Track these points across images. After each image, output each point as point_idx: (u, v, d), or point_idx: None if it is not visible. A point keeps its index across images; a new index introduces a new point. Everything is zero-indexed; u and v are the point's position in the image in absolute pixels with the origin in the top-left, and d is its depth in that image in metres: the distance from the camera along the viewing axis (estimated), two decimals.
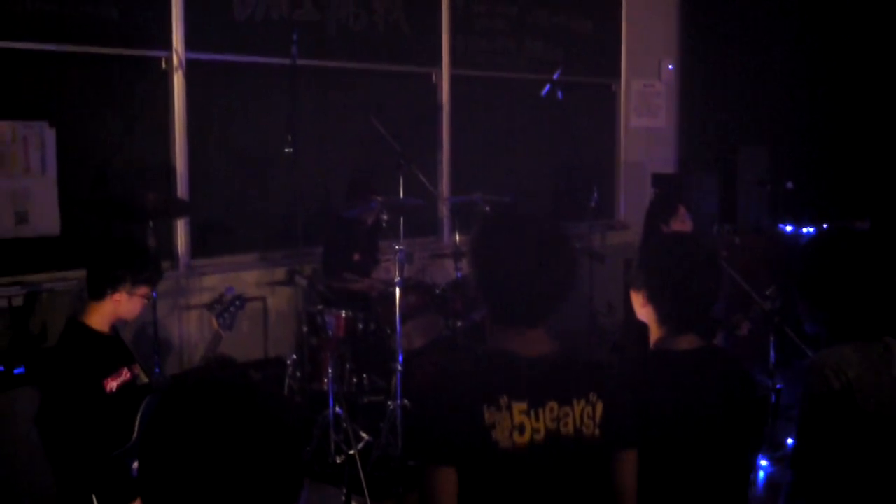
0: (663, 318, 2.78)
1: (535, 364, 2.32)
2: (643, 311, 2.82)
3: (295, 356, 6.21)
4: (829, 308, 2.85)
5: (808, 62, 9.55)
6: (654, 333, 2.82)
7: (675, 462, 2.59)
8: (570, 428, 2.30)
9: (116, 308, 4.07)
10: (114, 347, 4.17)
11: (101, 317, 4.07)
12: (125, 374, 4.13)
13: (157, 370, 5.39)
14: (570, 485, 2.32)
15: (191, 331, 6.53)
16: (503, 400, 2.25)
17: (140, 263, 4.14)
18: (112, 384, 4.05)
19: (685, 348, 2.75)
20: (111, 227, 5.89)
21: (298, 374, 6.14)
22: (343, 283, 6.39)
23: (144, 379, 4.31)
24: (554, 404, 2.29)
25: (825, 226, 7.86)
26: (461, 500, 2.25)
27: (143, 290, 4.11)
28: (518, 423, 2.25)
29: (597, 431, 2.32)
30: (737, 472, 2.80)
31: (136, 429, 4.07)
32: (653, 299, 2.78)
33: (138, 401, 4.14)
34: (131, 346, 5.84)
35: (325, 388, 5.83)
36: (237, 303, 4.70)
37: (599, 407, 2.33)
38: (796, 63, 9.61)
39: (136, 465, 4.06)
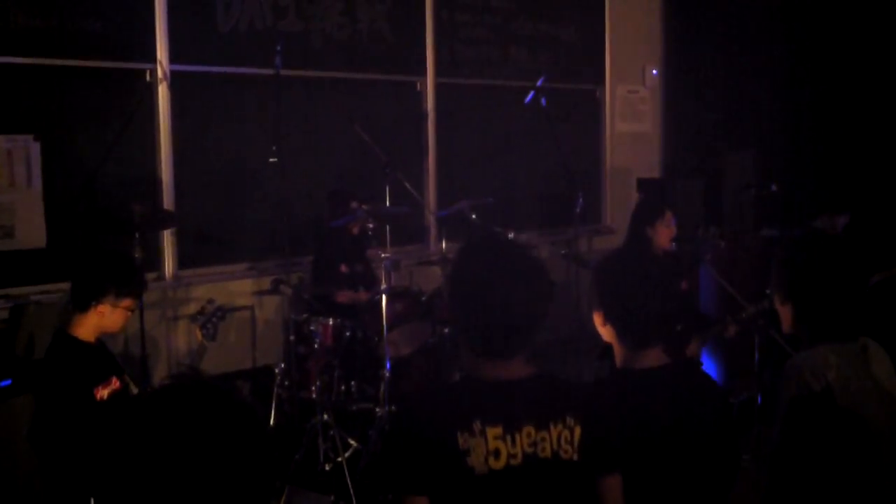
0: (623, 336, 2.78)
1: (509, 388, 2.30)
2: (604, 330, 2.82)
3: (283, 365, 6.22)
4: (806, 310, 2.88)
5: (792, 66, 9.60)
6: (618, 352, 2.82)
7: (643, 481, 2.58)
8: (548, 452, 2.28)
9: (101, 320, 4.10)
10: (101, 357, 4.20)
11: (86, 328, 4.10)
12: (115, 384, 4.15)
13: (144, 383, 5.41)
14: None
15: (178, 342, 6.54)
16: (476, 425, 2.22)
17: (124, 275, 4.17)
18: (102, 392, 4.07)
19: (650, 366, 2.74)
20: (98, 239, 5.89)
21: (287, 382, 6.15)
22: (332, 294, 6.40)
23: (134, 389, 4.33)
24: (531, 429, 2.27)
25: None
26: None
27: (127, 302, 4.14)
28: (493, 448, 2.22)
29: (575, 455, 2.30)
30: (711, 489, 2.80)
31: None
32: (610, 319, 2.78)
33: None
34: (119, 357, 5.87)
35: (314, 396, 5.84)
36: (219, 313, 4.73)
37: (577, 431, 2.31)
38: (780, 67, 9.66)
39: None
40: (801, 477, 2.77)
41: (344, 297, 6.47)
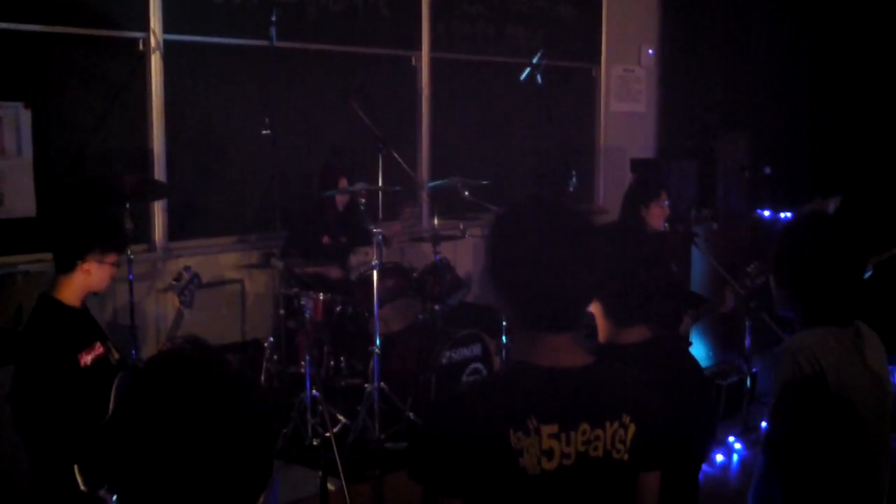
0: (607, 312, 2.75)
1: (566, 379, 2.09)
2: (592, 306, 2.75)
3: (272, 339, 6.21)
4: (802, 293, 2.87)
5: (789, 48, 9.57)
6: (601, 327, 2.79)
7: None
8: (600, 451, 2.08)
9: (87, 279, 4.08)
10: (86, 322, 4.19)
11: (71, 290, 4.08)
12: (98, 349, 4.15)
13: (133, 354, 5.39)
14: None
15: (167, 313, 6.49)
16: (532, 423, 2.01)
17: (107, 230, 4.16)
18: (86, 358, 4.07)
19: (633, 341, 2.73)
20: (87, 208, 5.85)
21: (276, 357, 6.14)
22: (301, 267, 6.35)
23: (116, 355, 4.33)
24: (586, 426, 2.06)
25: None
26: None
27: (112, 257, 4.13)
28: (547, 447, 2.02)
29: (626, 456, 2.11)
30: (685, 468, 2.80)
31: (112, 403, 4.09)
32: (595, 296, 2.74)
33: (112, 376, 4.15)
34: (107, 328, 5.83)
35: (303, 371, 5.82)
36: (196, 280, 4.72)
37: (632, 430, 2.12)
38: (777, 49, 9.64)
39: None
40: (794, 459, 2.77)
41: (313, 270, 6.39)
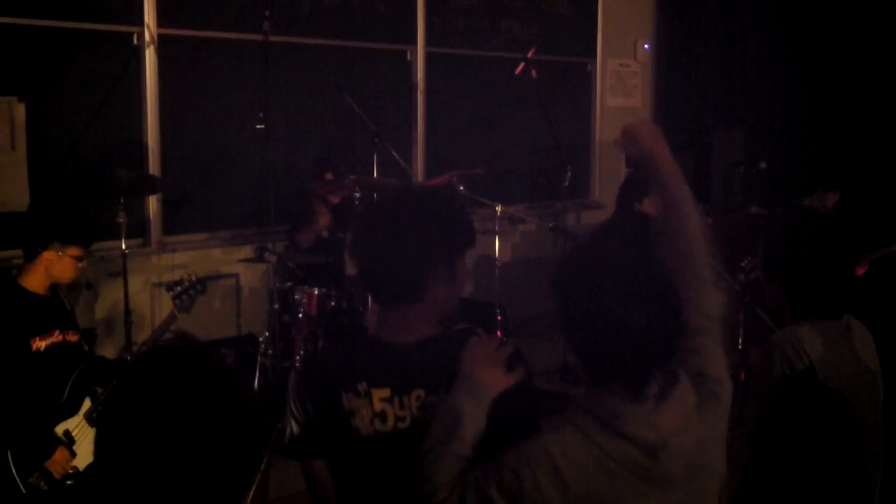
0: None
1: (402, 351, 2.22)
2: None
3: (267, 333, 6.21)
4: (791, 287, 2.87)
5: (784, 43, 9.58)
6: None
7: None
8: None
9: (48, 268, 4.14)
10: (48, 308, 4.21)
11: (33, 276, 4.14)
12: (56, 336, 4.17)
13: (127, 348, 5.39)
14: None
15: (162, 307, 6.50)
16: (362, 386, 2.19)
17: (69, 224, 4.20)
18: (40, 343, 4.10)
19: None
20: (82, 203, 5.86)
21: (270, 351, 6.13)
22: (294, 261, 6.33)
23: (85, 347, 4.36)
24: (421, 392, 2.19)
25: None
26: (336, 488, 2.27)
27: (73, 250, 4.17)
28: (379, 410, 2.18)
29: None
30: None
31: (67, 392, 4.13)
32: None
33: (72, 365, 4.18)
34: (102, 321, 5.83)
35: (298, 365, 5.82)
36: (198, 286, 4.72)
37: None
38: (772, 44, 9.64)
39: (60, 427, 4.11)
40: (782, 453, 2.77)
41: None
